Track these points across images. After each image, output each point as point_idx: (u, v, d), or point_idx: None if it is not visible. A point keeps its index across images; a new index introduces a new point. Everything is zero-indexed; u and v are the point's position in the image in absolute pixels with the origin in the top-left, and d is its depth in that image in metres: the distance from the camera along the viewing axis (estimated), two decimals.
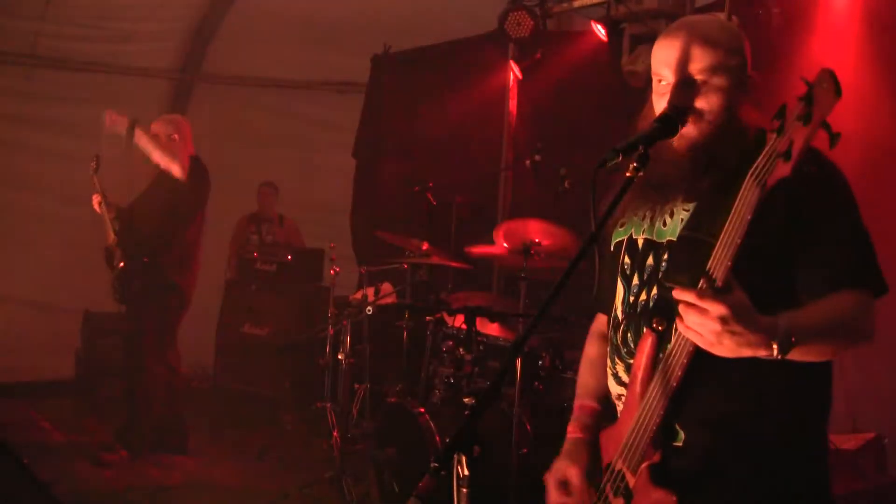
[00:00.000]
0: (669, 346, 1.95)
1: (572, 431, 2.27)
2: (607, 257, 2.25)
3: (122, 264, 5.90)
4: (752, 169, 1.77)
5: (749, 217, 1.77)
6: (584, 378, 2.37)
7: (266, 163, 8.68)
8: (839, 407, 2.14)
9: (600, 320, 2.40)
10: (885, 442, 4.52)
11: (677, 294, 1.78)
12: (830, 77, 1.61)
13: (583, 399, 2.32)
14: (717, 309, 1.71)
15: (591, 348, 2.40)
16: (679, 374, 1.92)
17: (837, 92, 1.61)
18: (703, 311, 1.73)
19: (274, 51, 8.41)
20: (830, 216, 1.96)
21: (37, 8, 7.29)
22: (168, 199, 5.96)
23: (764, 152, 1.73)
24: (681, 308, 1.78)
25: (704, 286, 1.77)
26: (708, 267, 1.79)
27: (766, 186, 1.72)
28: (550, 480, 2.20)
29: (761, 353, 1.77)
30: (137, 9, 7.74)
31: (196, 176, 6.01)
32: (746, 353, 1.77)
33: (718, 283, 1.77)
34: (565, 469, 2.18)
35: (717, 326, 1.72)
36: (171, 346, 6.14)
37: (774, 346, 1.75)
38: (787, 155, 1.65)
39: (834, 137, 1.67)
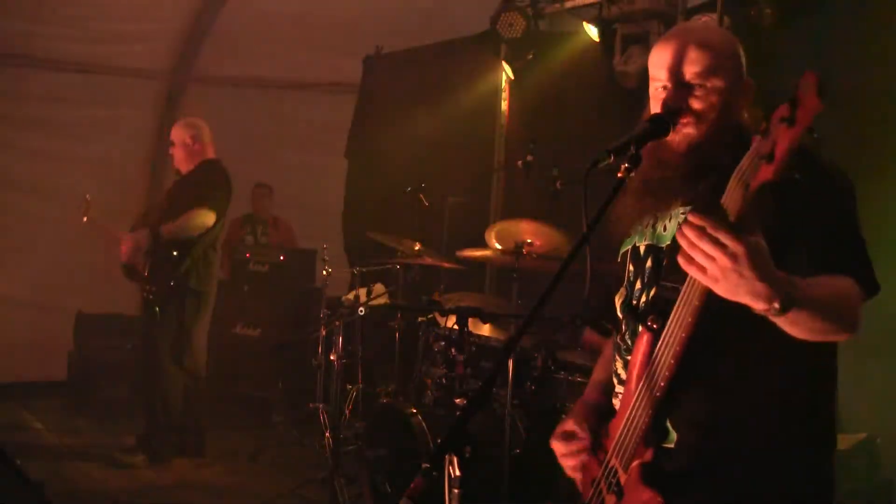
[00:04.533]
0: (657, 346, 1.94)
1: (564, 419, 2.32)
2: (615, 268, 2.26)
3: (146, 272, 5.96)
4: (737, 169, 1.71)
5: (732, 219, 1.68)
6: (595, 374, 2.42)
7: (258, 163, 8.66)
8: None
9: None
10: (877, 442, 4.53)
11: (692, 217, 1.67)
12: (815, 81, 1.61)
13: (587, 392, 2.37)
14: (735, 247, 1.62)
15: (608, 349, 2.44)
16: (666, 374, 1.92)
17: (821, 94, 1.60)
18: (716, 242, 1.63)
19: (266, 51, 8.40)
20: (827, 213, 1.92)
21: (30, 8, 7.27)
22: (179, 202, 6.06)
23: (748, 154, 1.69)
24: (689, 235, 1.66)
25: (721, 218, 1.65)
26: (721, 201, 1.70)
27: (749, 188, 1.67)
28: (553, 441, 2.24)
29: (759, 304, 1.67)
30: (130, 10, 7.72)
31: (202, 177, 6.09)
32: (744, 299, 1.67)
33: (731, 217, 1.66)
34: (563, 426, 2.24)
35: (728, 263, 1.62)
36: (189, 353, 6.14)
37: (776, 302, 1.66)
38: (769, 157, 1.64)
39: (816, 141, 1.66)
